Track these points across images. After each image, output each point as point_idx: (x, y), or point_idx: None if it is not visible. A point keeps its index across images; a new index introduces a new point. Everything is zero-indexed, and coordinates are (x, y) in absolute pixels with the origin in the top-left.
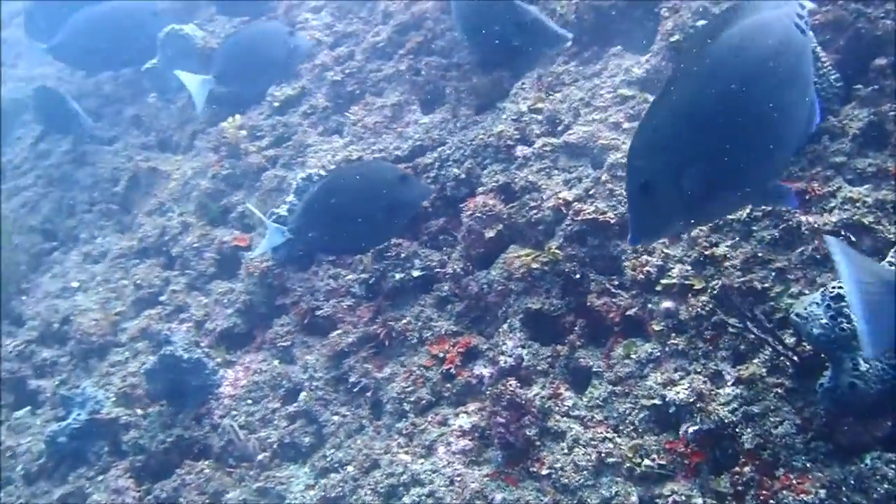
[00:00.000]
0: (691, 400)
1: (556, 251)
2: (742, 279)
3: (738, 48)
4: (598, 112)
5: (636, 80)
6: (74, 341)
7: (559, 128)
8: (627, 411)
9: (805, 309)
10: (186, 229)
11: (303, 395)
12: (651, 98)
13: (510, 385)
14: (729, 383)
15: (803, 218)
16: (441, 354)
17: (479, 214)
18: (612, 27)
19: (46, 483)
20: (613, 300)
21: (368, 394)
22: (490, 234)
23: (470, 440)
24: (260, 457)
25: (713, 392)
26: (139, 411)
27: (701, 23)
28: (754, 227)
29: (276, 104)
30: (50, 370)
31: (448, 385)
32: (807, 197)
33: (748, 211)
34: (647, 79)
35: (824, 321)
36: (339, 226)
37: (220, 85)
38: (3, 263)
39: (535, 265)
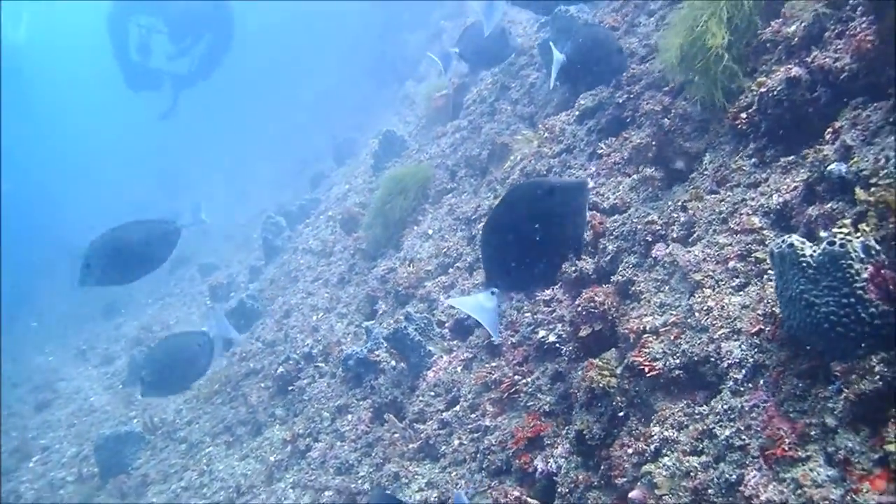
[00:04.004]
0: None
1: (614, 379)
2: None
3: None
4: (724, 235)
5: (769, 211)
6: (392, 283)
7: (692, 237)
8: None
9: None
10: (489, 212)
11: (456, 408)
12: (772, 235)
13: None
14: None
15: None
16: (521, 428)
17: (581, 309)
18: (807, 126)
19: (342, 388)
20: (627, 457)
21: (477, 435)
22: (585, 332)
23: None
24: (410, 445)
25: None
26: (392, 363)
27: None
28: None
29: (578, 112)
30: (387, 297)
31: (515, 462)
32: None
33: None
34: (778, 212)
35: None
36: (521, 259)
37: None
38: (413, 194)
39: (596, 385)
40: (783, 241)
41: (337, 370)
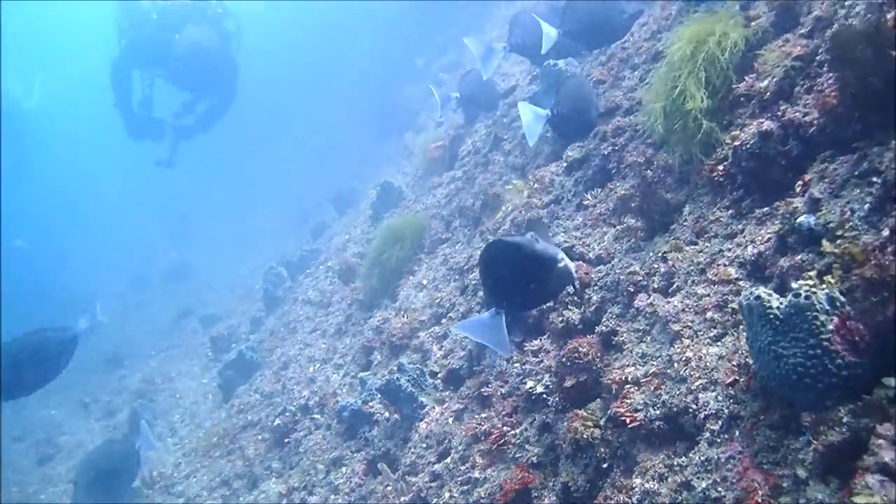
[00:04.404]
0: None
1: (597, 430)
2: None
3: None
4: (702, 286)
5: (745, 262)
6: (387, 334)
7: (671, 288)
8: None
9: None
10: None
11: (447, 459)
12: (747, 286)
13: None
14: None
15: None
16: (509, 480)
17: (565, 360)
18: (780, 178)
19: (337, 440)
20: None
21: (467, 487)
22: (570, 382)
23: None
24: (402, 498)
25: None
26: (386, 414)
27: None
28: None
29: (566, 163)
30: (382, 348)
31: None
32: None
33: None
34: (753, 263)
35: None
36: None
37: (552, 125)
38: (409, 244)
39: (580, 436)
40: (751, 294)
41: (332, 422)
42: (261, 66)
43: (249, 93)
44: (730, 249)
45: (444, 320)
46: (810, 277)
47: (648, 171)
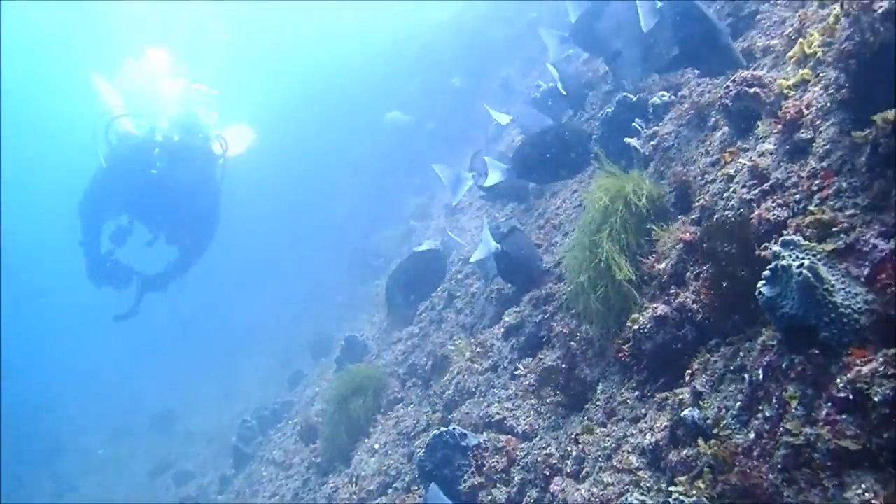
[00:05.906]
0: None
1: None
2: None
3: None
4: (608, 473)
5: (644, 451)
6: None
7: (582, 473)
8: None
9: None
10: (427, 429)
11: None
12: (647, 477)
13: None
14: None
15: None
16: None
17: None
18: (679, 362)
19: None
20: None
21: None
22: None
23: None
24: None
25: None
26: None
27: None
28: None
29: (503, 329)
30: None
31: None
32: None
33: None
34: (652, 452)
35: None
36: None
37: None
38: (365, 408)
39: None
40: (625, 500)
41: None
42: (245, 202)
43: (231, 231)
44: (633, 435)
45: (390, 490)
46: (681, 483)
47: (573, 342)
